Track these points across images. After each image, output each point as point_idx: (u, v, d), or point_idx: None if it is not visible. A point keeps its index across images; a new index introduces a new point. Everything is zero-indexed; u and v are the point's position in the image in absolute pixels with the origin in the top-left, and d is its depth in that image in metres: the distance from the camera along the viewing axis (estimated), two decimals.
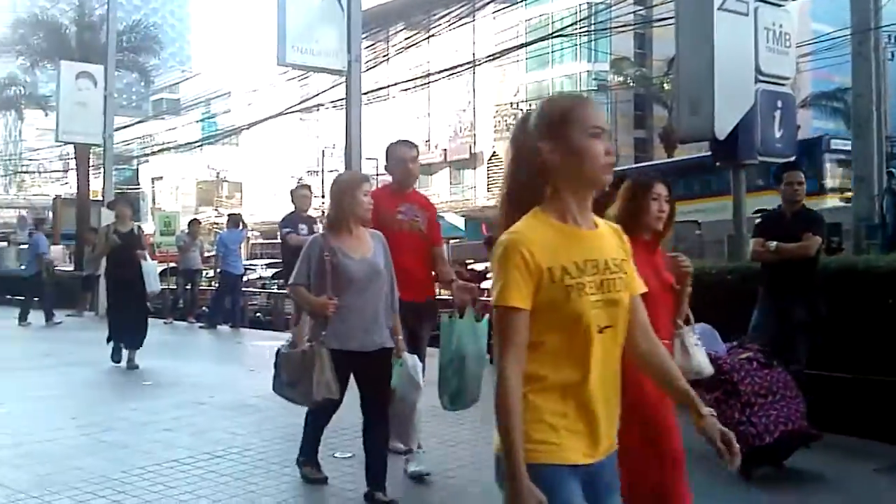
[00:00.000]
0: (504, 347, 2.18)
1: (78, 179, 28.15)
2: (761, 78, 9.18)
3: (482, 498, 5.13)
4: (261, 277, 27.28)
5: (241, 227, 16.88)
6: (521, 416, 2.15)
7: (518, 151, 2.34)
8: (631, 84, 41.43)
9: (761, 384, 5.32)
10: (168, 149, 46.47)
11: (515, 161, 2.35)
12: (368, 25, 23.87)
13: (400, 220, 5.62)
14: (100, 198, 22.55)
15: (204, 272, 20.40)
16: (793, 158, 9.17)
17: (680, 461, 3.43)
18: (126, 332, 10.31)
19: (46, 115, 33.74)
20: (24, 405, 8.16)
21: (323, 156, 48.34)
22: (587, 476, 2.23)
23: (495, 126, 46.08)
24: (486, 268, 15.61)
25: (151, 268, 10.60)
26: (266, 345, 13.40)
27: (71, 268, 25.01)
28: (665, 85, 37.00)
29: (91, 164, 29.11)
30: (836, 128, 32.32)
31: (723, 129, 8.85)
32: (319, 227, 9.70)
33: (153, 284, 10.50)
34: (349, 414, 5.17)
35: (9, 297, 22.43)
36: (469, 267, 18.17)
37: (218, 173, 64.93)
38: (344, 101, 13.60)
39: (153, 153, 50.91)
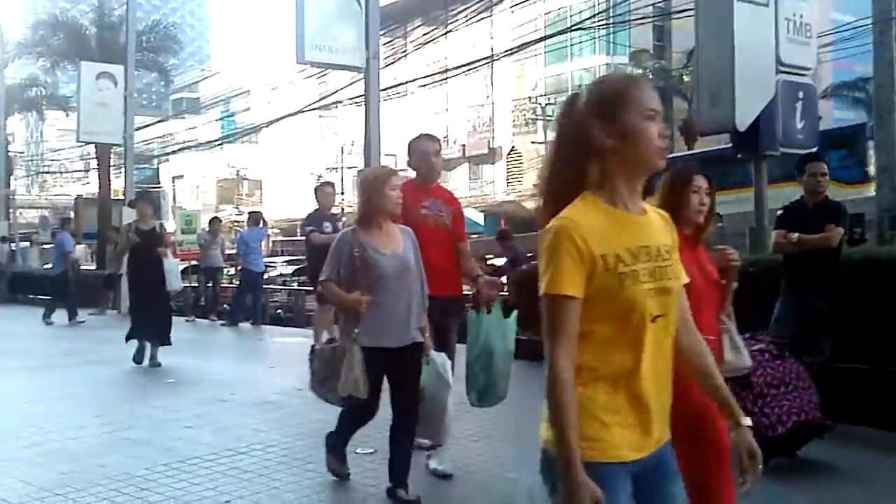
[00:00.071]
0: (555, 339, 2.09)
1: (99, 179, 28.32)
2: (782, 69, 9.12)
3: (504, 494, 5.13)
4: (281, 275, 27.33)
5: (261, 225, 16.94)
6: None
7: (564, 133, 2.27)
8: (650, 76, 41.22)
9: (774, 375, 5.28)
10: (188, 147, 46.58)
11: (561, 143, 2.27)
12: (386, 22, 23.87)
13: (424, 216, 5.56)
14: (121, 197, 22.69)
15: (225, 270, 20.47)
16: (815, 149, 9.10)
17: (725, 457, 3.36)
18: (151, 329, 10.36)
19: (67, 115, 34.04)
20: (48, 403, 8.22)
21: (342, 153, 48.41)
22: (640, 468, 2.17)
23: (514, 121, 45.99)
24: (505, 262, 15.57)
25: (173, 266, 10.63)
26: (287, 341, 13.49)
27: (93, 267, 25.16)
28: (684, 77, 36.78)
29: (112, 163, 29.26)
30: (857, 118, 32.02)
31: (744, 120, 8.79)
32: (341, 225, 9.71)
33: (174, 283, 10.53)
34: None
35: (31, 296, 22.61)
36: (488, 262, 18.15)
37: (238, 171, 65.17)
38: (363, 97, 13.60)
39: (173, 152, 51.02)
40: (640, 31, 38.15)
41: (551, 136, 2.34)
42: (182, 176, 66.88)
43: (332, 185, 12.26)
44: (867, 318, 6.56)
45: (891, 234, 11.20)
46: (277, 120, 33.48)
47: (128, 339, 10.48)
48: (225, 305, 17.95)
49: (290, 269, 27.55)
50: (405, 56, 31.84)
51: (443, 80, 35.86)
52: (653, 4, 31.79)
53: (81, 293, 18.10)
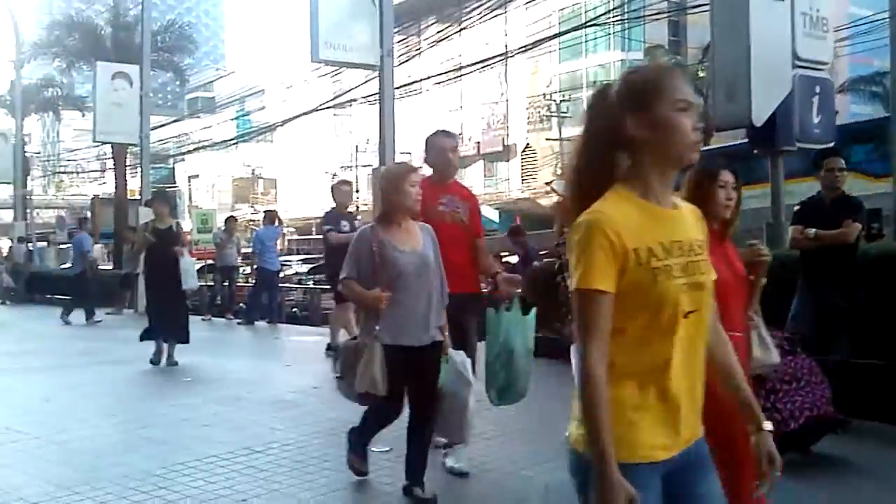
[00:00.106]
0: (588, 335, 2.04)
1: (115, 179, 28.49)
2: (798, 63, 9.04)
3: (519, 492, 5.12)
4: (297, 273, 27.44)
5: (276, 224, 16.97)
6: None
7: (594, 125, 2.20)
8: None
9: (786, 370, 5.24)
10: (204, 147, 46.72)
11: (590, 135, 2.21)
12: (400, 20, 23.85)
13: (442, 212, 5.53)
14: (137, 197, 22.79)
15: (241, 269, 20.54)
16: (832, 144, 9.04)
17: (748, 469, 3.29)
18: (167, 328, 10.39)
19: (83, 115, 34.26)
20: (66, 402, 8.27)
21: (357, 151, 48.45)
22: (671, 467, 2.12)
23: (528, 118, 45.87)
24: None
25: (189, 265, 10.66)
26: (303, 340, 13.52)
27: (110, 266, 25.29)
28: (700, 72, 36.56)
29: (128, 163, 29.41)
30: (874, 113, 31.82)
31: (760, 115, 8.73)
32: (358, 223, 9.72)
33: (190, 282, 10.56)
34: None
35: (49, 296, 22.74)
36: (503, 259, 18.11)
37: (253, 170, 65.31)
38: (377, 95, 13.61)
39: (189, 152, 51.17)
40: (655, 26, 37.93)
41: (580, 127, 2.28)
42: (198, 175, 67.07)
43: (349, 183, 12.27)
44: (884, 314, 6.51)
45: None
46: (292, 119, 33.58)
47: (142, 338, 10.51)
48: (241, 304, 18.02)
49: (305, 268, 27.68)
50: (419, 54, 31.79)
51: (457, 77, 35.79)
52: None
53: (98, 293, 18.20)
